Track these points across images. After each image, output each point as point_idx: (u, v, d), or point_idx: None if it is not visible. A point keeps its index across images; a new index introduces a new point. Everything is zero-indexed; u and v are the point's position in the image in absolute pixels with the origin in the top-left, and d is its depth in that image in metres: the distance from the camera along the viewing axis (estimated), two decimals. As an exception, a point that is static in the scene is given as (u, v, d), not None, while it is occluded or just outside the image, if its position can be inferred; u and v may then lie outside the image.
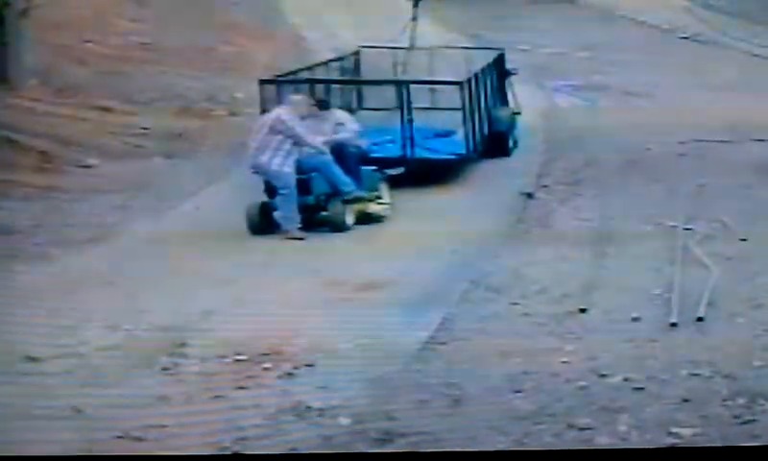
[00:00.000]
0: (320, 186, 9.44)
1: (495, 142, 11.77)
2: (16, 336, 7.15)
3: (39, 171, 11.19)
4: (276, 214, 9.29)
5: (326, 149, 9.54)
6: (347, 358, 6.85)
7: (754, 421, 5.97)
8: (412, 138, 10.57)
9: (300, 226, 9.24)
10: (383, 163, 10.12)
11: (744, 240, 9.25)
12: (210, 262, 8.71)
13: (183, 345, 7.02)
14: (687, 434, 5.80)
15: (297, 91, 10.38)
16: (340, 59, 12.66)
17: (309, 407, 6.13)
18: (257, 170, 9.46)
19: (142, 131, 12.86)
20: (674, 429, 5.85)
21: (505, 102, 12.59)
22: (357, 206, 9.49)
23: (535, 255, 8.86)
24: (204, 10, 17.88)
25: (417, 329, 7.28)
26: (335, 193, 9.40)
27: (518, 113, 12.68)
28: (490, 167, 11.53)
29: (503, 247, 9.16)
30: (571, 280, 8.20)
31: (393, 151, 10.58)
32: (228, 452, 5.64)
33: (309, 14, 19.05)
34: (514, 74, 12.88)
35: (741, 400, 6.19)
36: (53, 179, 11.07)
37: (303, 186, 9.32)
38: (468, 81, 11.24)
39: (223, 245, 9.20)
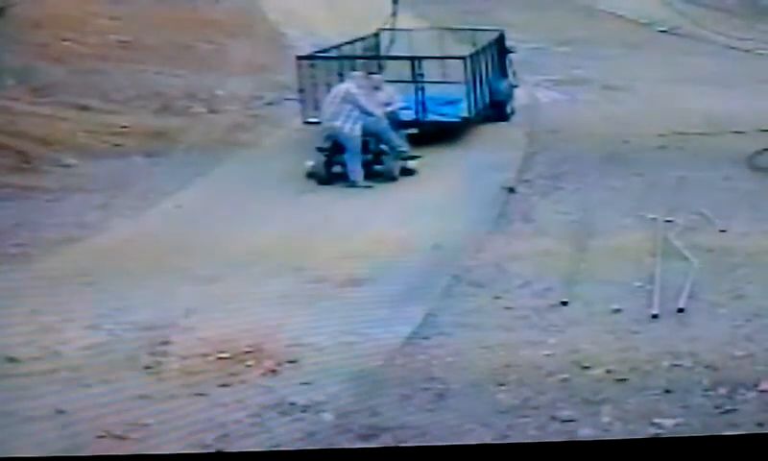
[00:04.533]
0: (372, 146, 11.35)
1: (496, 109, 13.60)
2: (-4, 337, 7.10)
3: (18, 171, 11.10)
4: (337, 169, 11.14)
5: (384, 116, 11.55)
6: (330, 354, 6.84)
7: (735, 410, 6.01)
8: (424, 104, 12.46)
9: (363, 177, 11.06)
10: (401, 125, 11.93)
11: (724, 232, 9.30)
12: (192, 260, 8.67)
13: (166, 343, 6.99)
14: (669, 424, 5.84)
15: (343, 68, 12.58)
16: (363, 38, 14.07)
17: (293, 404, 6.12)
18: (332, 133, 11.24)
19: (121, 129, 12.77)
20: (656, 420, 5.88)
21: (505, 75, 14.20)
22: (401, 162, 11.46)
23: (517, 249, 8.88)
24: (184, 7, 17.79)
25: (400, 325, 7.28)
26: (386, 151, 11.34)
27: (516, 86, 14.30)
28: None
29: (485, 241, 9.18)
30: (553, 274, 8.22)
31: (408, 115, 12.33)
32: (211, 450, 5.62)
33: (288, 11, 19.00)
34: (513, 52, 14.51)
35: (722, 390, 6.23)
36: (32, 178, 10.98)
37: (364, 146, 11.26)
38: (471, 56, 13.04)
39: (205, 244, 9.16)
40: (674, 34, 20.15)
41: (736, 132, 12.88)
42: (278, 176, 11.31)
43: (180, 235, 9.40)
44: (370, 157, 11.25)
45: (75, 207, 10.13)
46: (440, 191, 10.82)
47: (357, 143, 11.11)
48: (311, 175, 11.10)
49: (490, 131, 13.27)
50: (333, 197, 10.70)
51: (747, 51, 18.29)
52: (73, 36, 15.53)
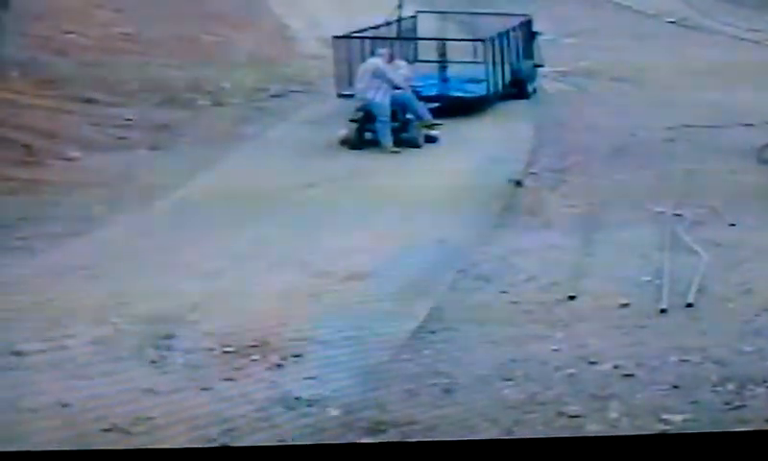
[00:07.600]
0: (400, 115, 12.49)
1: (517, 87, 14.58)
2: (2, 330, 7.07)
3: (22, 164, 11.06)
4: (370, 135, 12.32)
5: (409, 89, 12.80)
6: (335, 349, 6.81)
7: (743, 406, 5.97)
8: (447, 81, 14.10)
9: (392, 143, 12.22)
10: (425, 99, 13.16)
11: (733, 225, 9.24)
12: (197, 254, 8.64)
13: (171, 337, 6.97)
14: (678, 420, 5.80)
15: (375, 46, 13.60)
16: (400, 20, 14.91)
17: (298, 398, 6.09)
18: (364, 103, 12.42)
19: (126, 122, 12.74)
20: (664, 416, 5.85)
21: (530, 57, 15.24)
22: (424, 130, 12.59)
23: (523, 243, 8.83)
24: (188, -1, 17.74)
25: (406, 319, 7.24)
26: (412, 120, 12.49)
27: (540, 66, 15.31)
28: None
29: (492, 235, 9.13)
30: (560, 268, 8.17)
31: (432, 90, 13.80)
32: (215, 444, 5.59)
33: (293, 3, 18.94)
34: (540, 35, 15.70)
35: (731, 386, 6.19)
36: (36, 172, 10.95)
37: (393, 116, 12.41)
38: (491, 39, 14.07)
39: (210, 237, 9.13)
40: (682, 25, 20.05)
41: (745, 124, 12.80)
42: (284, 169, 11.27)
43: (184, 229, 9.37)
44: (397, 125, 12.36)
45: (79, 201, 10.10)
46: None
47: (387, 112, 12.23)
48: (344, 142, 12.18)
49: (498, 120, 13.35)
50: (339, 189, 10.66)
51: (756, 42, 18.18)
52: (76, 28, 15.49)
